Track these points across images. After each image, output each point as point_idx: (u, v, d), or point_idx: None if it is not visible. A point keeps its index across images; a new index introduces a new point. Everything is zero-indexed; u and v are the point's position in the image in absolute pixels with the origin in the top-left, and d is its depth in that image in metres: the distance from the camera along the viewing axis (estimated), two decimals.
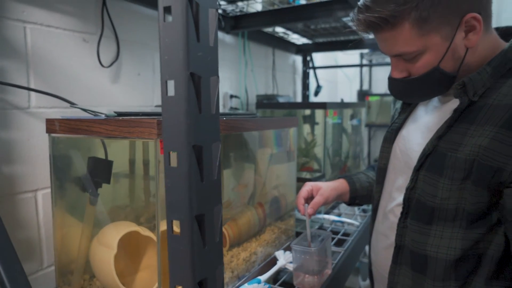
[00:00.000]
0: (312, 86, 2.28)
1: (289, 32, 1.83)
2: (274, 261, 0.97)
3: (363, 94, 2.76)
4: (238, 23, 1.43)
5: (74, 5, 0.92)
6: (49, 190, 0.88)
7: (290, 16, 1.35)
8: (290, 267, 0.95)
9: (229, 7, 1.37)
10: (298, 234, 1.15)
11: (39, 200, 0.87)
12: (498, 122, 0.59)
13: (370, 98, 2.66)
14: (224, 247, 0.86)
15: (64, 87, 0.91)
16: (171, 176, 0.39)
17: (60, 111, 0.90)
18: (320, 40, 2.02)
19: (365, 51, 2.68)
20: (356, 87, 2.96)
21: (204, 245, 0.40)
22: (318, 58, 2.50)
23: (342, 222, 1.34)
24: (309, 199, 0.93)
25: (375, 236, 0.86)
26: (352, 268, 1.15)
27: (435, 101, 0.75)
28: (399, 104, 0.88)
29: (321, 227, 1.31)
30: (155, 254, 0.74)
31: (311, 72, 2.25)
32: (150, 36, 1.16)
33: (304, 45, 2.09)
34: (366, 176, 1.00)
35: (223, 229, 0.87)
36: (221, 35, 1.51)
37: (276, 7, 1.40)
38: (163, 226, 0.65)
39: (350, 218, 1.35)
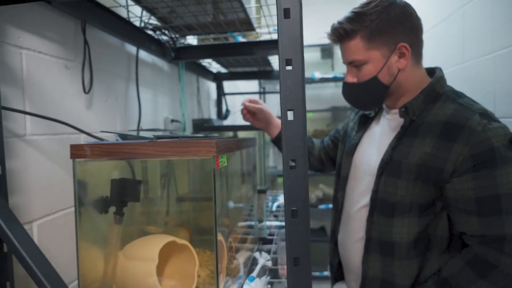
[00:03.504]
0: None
1: (212, 62, 2.01)
2: (254, 262, 1.12)
3: None
4: (179, 54, 1.55)
5: (57, 33, 0.93)
6: (43, 220, 0.85)
7: (229, 51, 1.54)
8: (269, 264, 1.12)
9: (170, 39, 1.48)
10: (260, 239, 1.33)
11: (35, 232, 0.83)
12: (435, 134, 0.86)
13: None
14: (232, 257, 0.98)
15: (52, 113, 0.89)
16: (291, 177, 0.54)
17: (49, 138, 0.88)
18: (232, 69, 2.26)
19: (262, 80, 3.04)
20: None
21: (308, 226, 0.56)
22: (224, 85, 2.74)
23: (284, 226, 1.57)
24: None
25: (343, 234, 1.07)
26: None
27: (385, 122, 1.01)
28: (352, 123, 1.16)
29: (270, 234, 1.50)
30: (189, 261, 0.82)
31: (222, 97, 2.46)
32: (116, 65, 1.19)
33: (219, 73, 2.30)
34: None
35: (231, 240, 0.98)
36: (160, 63, 1.59)
37: (213, 41, 1.58)
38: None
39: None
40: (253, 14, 1.29)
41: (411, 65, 0.93)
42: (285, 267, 1.06)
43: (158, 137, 0.76)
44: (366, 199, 0.97)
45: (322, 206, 3.01)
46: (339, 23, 0.93)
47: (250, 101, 1.24)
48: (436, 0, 1.52)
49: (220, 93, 2.42)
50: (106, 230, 0.80)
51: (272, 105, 3.53)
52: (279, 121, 1.29)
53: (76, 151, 0.73)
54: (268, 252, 1.21)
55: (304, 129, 0.54)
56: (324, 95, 3.42)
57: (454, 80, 1.38)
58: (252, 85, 3.15)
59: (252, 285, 0.93)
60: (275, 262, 1.15)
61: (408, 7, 0.92)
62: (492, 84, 1.14)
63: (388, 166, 0.92)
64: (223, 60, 1.90)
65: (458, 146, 0.82)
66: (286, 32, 0.54)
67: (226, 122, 2.60)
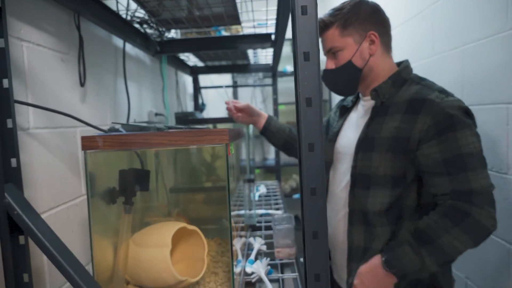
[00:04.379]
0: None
1: (190, 55, 2.02)
2: (249, 247, 1.18)
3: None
4: (163, 47, 1.55)
5: (53, 25, 0.92)
6: (47, 214, 0.85)
7: (214, 45, 1.57)
8: (263, 248, 1.18)
9: (156, 33, 1.48)
10: (250, 226, 1.38)
11: None
12: (401, 111, 0.98)
13: None
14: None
15: (52, 106, 0.88)
16: (310, 158, 0.59)
17: (50, 131, 0.88)
18: (210, 63, 2.28)
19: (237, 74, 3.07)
20: None
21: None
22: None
23: (270, 214, 1.64)
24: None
25: (329, 213, 1.16)
26: None
27: (361, 107, 1.13)
28: (334, 115, 1.25)
29: (258, 222, 1.56)
30: (197, 246, 0.86)
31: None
32: (104, 58, 1.18)
33: (196, 67, 2.30)
34: (284, 124, 1.40)
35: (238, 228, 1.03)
36: (142, 57, 1.59)
37: (195, 35, 1.60)
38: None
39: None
40: (239, 9, 1.32)
41: (381, 53, 1.06)
42: (281, 250, 1.13)
43: (170, 127, 0.79)
44: (348, 177, 1.07)
45: (296, 196, 3.12)
46: (320, 18, 1.06)
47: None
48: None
49: (196, 86, 2.43)
50: (117, 219, 0.81)
51: (244, 98, 3.58)
52: (263, 113, 1.36)
53: (88, 143, 0.75)
54: (260, 237, 1.27)
55: (320, 115, 0.60)
56: None
57: (423, 71, 1.49)
58: (225, 78, 3.17)
59: (254, 267, 0.98)
60: (268, 246, 1.21)
61: (377, 5, 1.07)
62: (460, 76, 1.26)
63: (364, 143, 1.04)
64: (203, 53, 1.91)
65: (422, 117, 0.94)
66: (304, 27, 0.59)
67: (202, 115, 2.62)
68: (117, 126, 0.82)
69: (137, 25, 1.32)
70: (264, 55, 2.14)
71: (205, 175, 1.05)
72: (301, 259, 1.22)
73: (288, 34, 1.34)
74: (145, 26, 1.34)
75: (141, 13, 1.27)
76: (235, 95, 3.46)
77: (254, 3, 1.31)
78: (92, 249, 0.77)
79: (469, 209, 0.88)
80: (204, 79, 2.94)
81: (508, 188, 1.08)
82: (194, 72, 2.33)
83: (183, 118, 1.71)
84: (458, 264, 1.35)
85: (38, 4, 0.86)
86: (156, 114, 1.63)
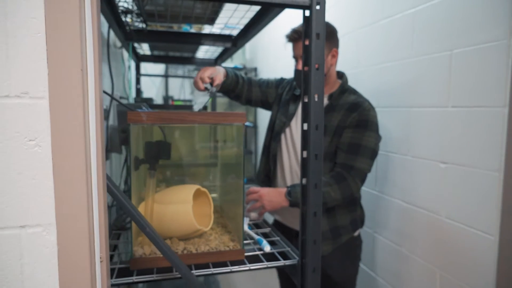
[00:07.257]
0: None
1: (143, 44, 2.11)
2: None
3: (167, 99, 3.27)
4: (137, 37, 1.66)
5: None
6: None
7: (182, 39, 1.74)
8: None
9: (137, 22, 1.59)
10: None
11: None
12: (344, 109, 1.40)
13: (175, 102, 3.21)
14: None
15: None
16: (315, 135, 0.89)
17: None
18: (156, 53, 2.39)
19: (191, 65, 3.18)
20: (162, 93, 3.42)
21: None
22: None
23: None
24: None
25: (285, 180, 1.52)
26: None
27: None
28: (286, 95, 1.59)
29: None
30: (204, 205, 1.08)
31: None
32: None
33: (143, 55, 2.39)
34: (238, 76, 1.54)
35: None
36: (110, 41, 1.67)
37: (159, 27, 1.75)
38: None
39: None
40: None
41: (335, 66, 1.45)
42: (252, 214, 1.41)
43: (201, 109, 1.00)
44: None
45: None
46: (297, 29, 1.40)
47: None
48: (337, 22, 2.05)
49: (139, 74, 2.51)
50: (138, 183, 0.99)
51: (173, 87, 3.70)
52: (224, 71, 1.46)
53: (134, 117, 0.91)
54: None
55: (322, 106, 0.90)
56: None
57: (351, 79, 1.93)
58: (159, 67, 3.26)
59: None
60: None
61: (335, 28, 1.44)
62: (378, 85, 1.71)
63: None
64: (160, 44, 2.05)
65: (354, 114, 1.38)
66: (317, 48, 0.88)
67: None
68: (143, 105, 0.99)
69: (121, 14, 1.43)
70: (204, 50, 2.34)
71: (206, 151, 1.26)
72: (275, 217, 1.54)
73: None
74: (128, 15, 1.46)
75: (125, 2, 1.39)
76: (165, 84, 3.56)
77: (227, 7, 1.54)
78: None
79: (347, 176, 1.34)
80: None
81: (407, 164, 1.55)
82: (140, 59, 2.41)
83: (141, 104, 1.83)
84: (394, 238, 1.81)
85: None
86: (120, 98, 1.73)
